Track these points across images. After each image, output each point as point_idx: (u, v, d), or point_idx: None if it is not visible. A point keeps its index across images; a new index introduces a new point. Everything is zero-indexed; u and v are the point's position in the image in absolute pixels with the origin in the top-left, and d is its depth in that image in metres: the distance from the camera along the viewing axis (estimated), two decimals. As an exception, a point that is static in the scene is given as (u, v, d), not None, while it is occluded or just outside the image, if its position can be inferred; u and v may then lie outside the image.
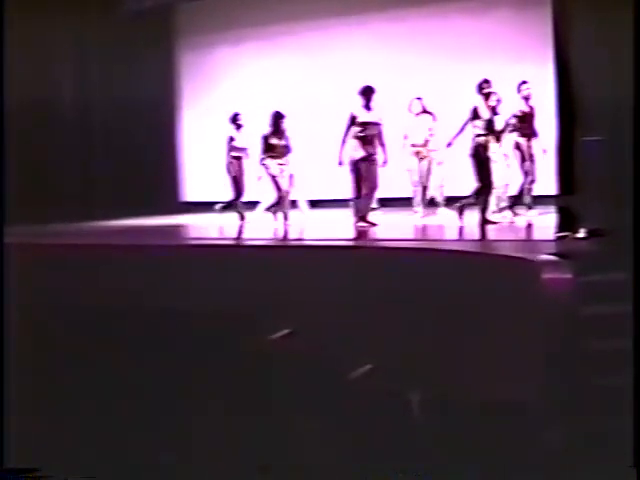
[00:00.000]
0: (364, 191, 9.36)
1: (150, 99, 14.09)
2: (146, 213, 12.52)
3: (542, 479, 4.89)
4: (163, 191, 14.15)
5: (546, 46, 11.67)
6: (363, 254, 7.73)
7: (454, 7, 12.51)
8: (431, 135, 10.32)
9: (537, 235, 8.47)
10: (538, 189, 9.79)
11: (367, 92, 9.35)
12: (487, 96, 8.88)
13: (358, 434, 5.37)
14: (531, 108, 9.61)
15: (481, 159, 8.70)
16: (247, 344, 6.50)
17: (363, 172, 9.28)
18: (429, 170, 10.33)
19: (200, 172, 14.41)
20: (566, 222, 7.26)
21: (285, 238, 9.49)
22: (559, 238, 7.24)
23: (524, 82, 9.67)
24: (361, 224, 9.31)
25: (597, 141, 6.80)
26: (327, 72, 13.21)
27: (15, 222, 6.99)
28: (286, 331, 6.93)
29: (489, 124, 8.83)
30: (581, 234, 6.93)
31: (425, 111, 10.45)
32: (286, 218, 10.06)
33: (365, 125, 9.29)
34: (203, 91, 14.65)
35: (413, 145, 10.30)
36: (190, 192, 14.81)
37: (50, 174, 13.00)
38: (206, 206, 13.32)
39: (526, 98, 9.59)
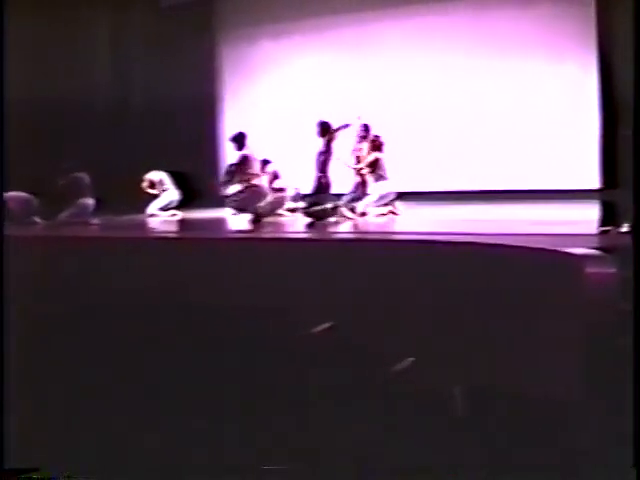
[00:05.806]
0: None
1: (191, 94, 14.21)
2: (188, 207, 12.64)
3: (544, 479, 4.87)
4: (205, 185, 14.24)
5: (589, 40, 11.57)
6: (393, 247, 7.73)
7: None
8: None
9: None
10: (580, 183, 9.71)
11: None
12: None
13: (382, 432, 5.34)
14: None
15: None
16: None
17: None
18: None
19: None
20: (609, 216, 7.19)
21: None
22: (602, 232, 7.19)
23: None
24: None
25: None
26: (368, 67, 13.20)
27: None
28: (327, 325, 6.96)
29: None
30: (624, 228, 6.87)
31: None
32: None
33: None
34: (245, 85, 14.73)
35: None
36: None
37: (90, 170, 13.17)
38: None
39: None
